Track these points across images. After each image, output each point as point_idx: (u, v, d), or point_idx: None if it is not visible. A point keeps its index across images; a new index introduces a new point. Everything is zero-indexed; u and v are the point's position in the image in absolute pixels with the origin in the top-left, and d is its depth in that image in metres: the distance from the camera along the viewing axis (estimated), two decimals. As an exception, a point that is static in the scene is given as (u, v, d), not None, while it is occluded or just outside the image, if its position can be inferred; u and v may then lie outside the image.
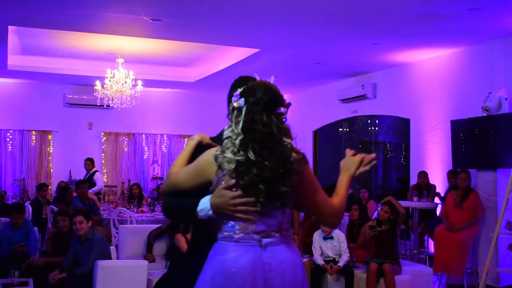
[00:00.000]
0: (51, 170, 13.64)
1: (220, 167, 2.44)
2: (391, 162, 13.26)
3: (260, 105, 2.44)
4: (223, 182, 2.43)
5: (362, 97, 11.99)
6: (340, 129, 13.96)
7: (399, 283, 6.83)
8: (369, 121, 13.02)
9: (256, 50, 10.00)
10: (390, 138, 13.30)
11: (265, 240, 2.42)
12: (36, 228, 7.73)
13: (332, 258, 7.02)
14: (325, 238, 7.13)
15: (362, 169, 2.68)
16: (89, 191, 11.19)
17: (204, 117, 14.81)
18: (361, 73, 11.98)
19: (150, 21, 8.15)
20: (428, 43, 9.29)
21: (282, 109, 2.50)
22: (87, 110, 13.73)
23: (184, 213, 2.58)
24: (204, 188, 2.50)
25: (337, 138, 14.07)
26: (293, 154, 2.46)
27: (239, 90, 2.52)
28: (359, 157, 2.69)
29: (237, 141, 2.41)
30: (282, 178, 2.40)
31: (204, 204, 2.45)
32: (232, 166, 2.39)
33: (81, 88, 13.36)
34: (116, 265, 6.06)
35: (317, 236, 7.20)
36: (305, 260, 7.03)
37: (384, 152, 13.28)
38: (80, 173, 12.60)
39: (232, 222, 2.42)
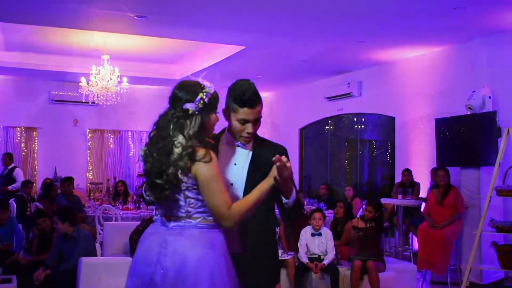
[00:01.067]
0: (36, 167, 13.57)
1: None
2: (377, 160, 13.28)
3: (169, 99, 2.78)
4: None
5: (347, 95, 12.05)
6: (326, 127, 13.99)
7: (383, 280, 6.86)
8: (355, 119, 13.06)
9: (242, 47, 10.01)
10: (376, 136, 13.33)
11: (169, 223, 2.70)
12: (20, 225, 7.68)
13: (317, 256, 7.04)
14: (313, 235, 7.13)
15: (275, 173, 2.70)
16: (9, 188, 11.12)
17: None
18: (347, 71, 12.01)
19: (135, 17, 8.12)
20: (413, 41, 9.35)
21: (188, 105, 2.67)
22: (73, 106, 13.67)
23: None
24: None
25: (323, 136, 14.10)
26: (176, 150, 2.61)
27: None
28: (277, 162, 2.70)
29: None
30: (157, 173, 2.63)
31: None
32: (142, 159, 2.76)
33: (67, 84, 13.29)
34: (99, 261, 6.03)
35: (304, 233, 7.18)
36: (289, 257, 7.05)
37: (370, 150, 13.30)
38: (65, 171, 12.54)
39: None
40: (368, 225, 7.17)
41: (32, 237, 7.74)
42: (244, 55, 10.44)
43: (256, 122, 2.97)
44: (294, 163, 14.05)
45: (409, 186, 9.40)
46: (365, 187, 13.05)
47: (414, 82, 10.42)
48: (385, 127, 12.07)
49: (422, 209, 8.85)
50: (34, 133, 13.50)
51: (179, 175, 2.60)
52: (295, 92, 14.39)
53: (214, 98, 2.75)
